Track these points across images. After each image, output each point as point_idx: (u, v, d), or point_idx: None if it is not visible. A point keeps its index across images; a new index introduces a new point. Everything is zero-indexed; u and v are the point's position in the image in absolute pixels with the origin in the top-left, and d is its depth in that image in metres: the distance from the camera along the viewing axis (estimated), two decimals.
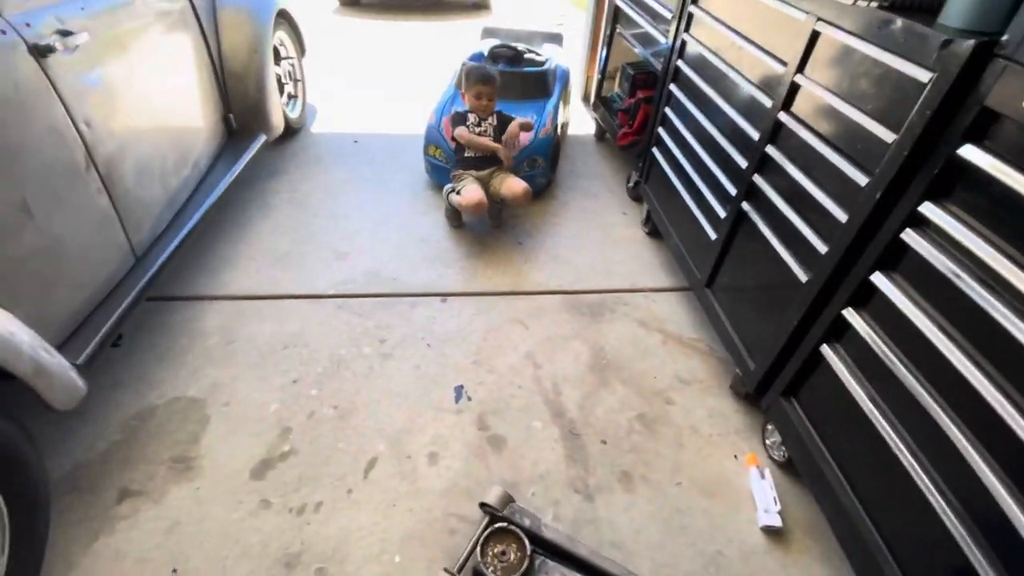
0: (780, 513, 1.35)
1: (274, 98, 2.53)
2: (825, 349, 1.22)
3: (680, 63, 1.94)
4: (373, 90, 3.67)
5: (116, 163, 1.44)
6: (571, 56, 3.40)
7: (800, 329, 1.29)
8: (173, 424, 1.48)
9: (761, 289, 1.49)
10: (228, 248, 2.13)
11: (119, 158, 1.46)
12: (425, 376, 1.67)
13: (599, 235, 2.39)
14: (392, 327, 1.84)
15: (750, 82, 1.51)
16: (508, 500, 1.20)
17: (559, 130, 2.76)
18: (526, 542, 1.11)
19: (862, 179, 1.09)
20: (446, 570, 1.11)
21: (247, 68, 2.30)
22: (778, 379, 1.39)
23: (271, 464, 1.40)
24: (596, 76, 3.09)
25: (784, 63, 1.36)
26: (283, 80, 2.86)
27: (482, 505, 1.20)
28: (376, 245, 2.22)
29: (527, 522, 1.16)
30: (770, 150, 1.40)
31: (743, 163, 1.52)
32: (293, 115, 2.95)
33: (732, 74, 1.59)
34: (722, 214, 1.65)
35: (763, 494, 1.38)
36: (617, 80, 2.95)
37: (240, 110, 2.33)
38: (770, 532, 1.33)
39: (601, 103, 2.99)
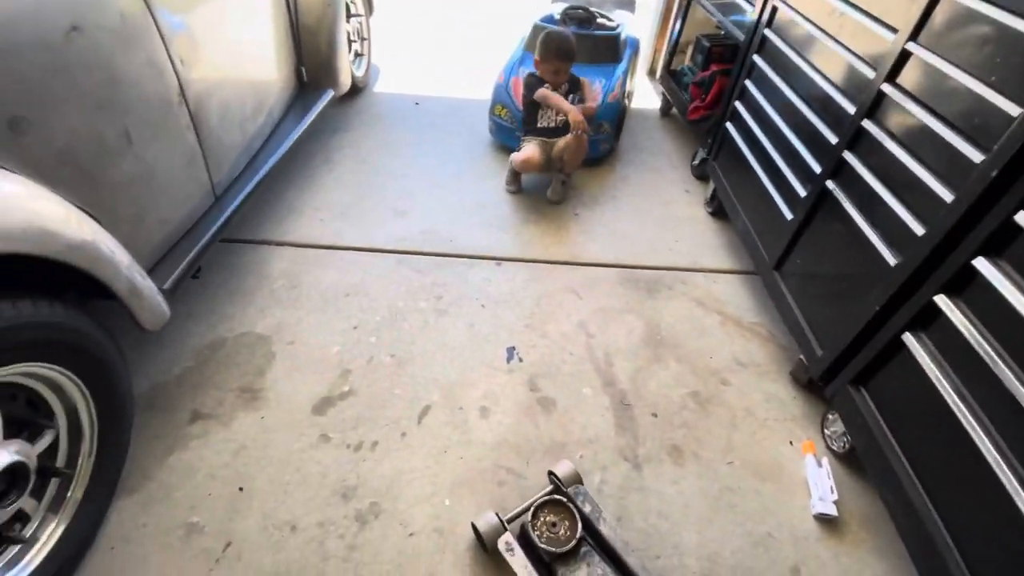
0: (836, 503, 1.30)
1: (343, 54, 2.56)
2: (908, 337, 1.15)
3: (768, 32, 1.83)
4: (437, 51, 3.66)
5: (203, 102, 1.50)
6: (640, 27, 3.28)
7: (881, 315, 1.22)
8: (241, 356, 1.56)
9: (839, 273, 1.42)
10: (294, 197, 2.19)
11: (206, 98, 1.51)
12: (478, 335, 1.69)
13: (659, 212, 2.33)
14: (448, 285, 1.86)
15: (850, 51, 1.41)
16: (576, 480, 1.20)
17: (626, 98, 2.68)
18: (580, 526, 1.11)
19: (976, 156, 1.01)
20: (496, 514, 1.14)
21: (320, 22, 2.33)
22: (848, 367, 1.33)
23: (331, 402, 1.46)
24: (666, 48, 2.97)
25: (894, 30, 1.26)
26: (351, 38, 2.88)
27: (550, 473, 1.23)
28: (434, 206, 2.23)
29: (588, 508, 1.15)
30: (867, 124, 1.31)
31: (833, 138, 1.43)
32: (359, 73, 2.97)
33: (829, 43, 1.49)
34: (802, 193, 1.57)
35: (819, 482, 1.34)
36: (689, 53, 2.83)
37: (311, 64, 2.37)
38: (824, 521, 1.30)
39: (670, 76, 2.88)
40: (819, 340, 1.46)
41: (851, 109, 1.37)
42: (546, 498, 1.16)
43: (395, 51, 3.59)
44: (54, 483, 1.05)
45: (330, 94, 2.45)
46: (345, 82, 2.59)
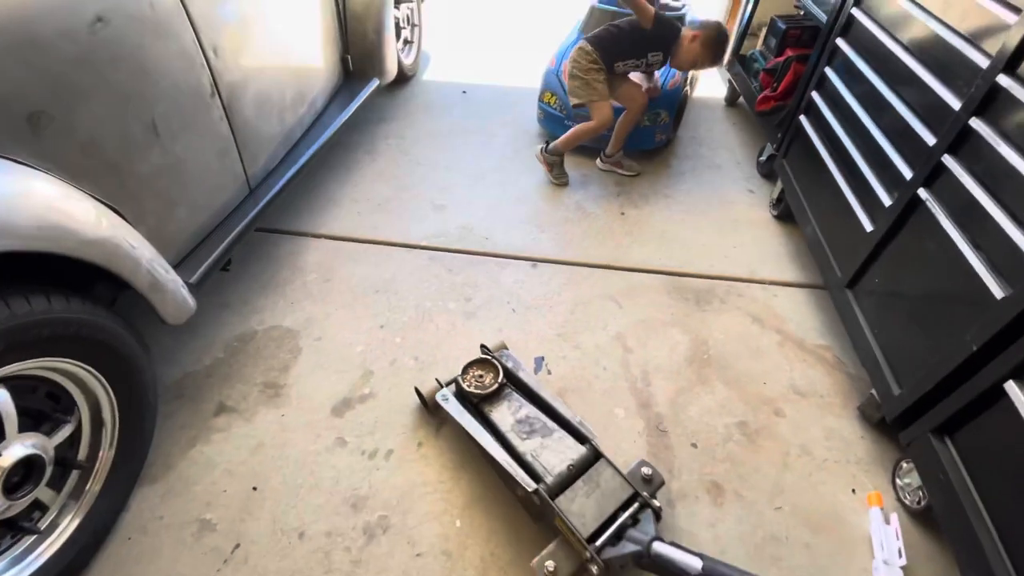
0: (903, 569, 1.12)
1: (391, 42, 2.51)
2: (1012, 387, 0.95)
3: (856, 11, 1.59)
4: (489, 37, 3.55)
5: (239, 93, 1.48)
6: (707, 7, 3.01)
7: (980, 357, 1.02)
8: (268, 350, 1.55)
9: (928, 299, 1.21)
10: (335, 189, 2.18)
11: (242, 88, 1.49)
12: (507, 341, 1.60)
13: (717, 213, 2.13)
14: (478, 286, 1.77)
15: (959, 34, 1.17)
16: (502, 347, 1.47)
17: (688, 85, 2.47)
18: (501, 374, 1.32)
19: None
20: (436, 379, 1.34)
21: (367, 9, 2.28)
22: (932, 412, 1.13)
23: (351, 404, 1.42)
24: (735, 31, 2.71)
25: (1017, 10, 1.03)
26: (401, 25, 2.83)
27: (482, 346, 1.43)
28: (473, 200, 2.15)
29: (510, 364, 1.37)
30: (975, 123, 1.09)
31: (930, 138, 1.21)
32: (407, 61, 2.92)
33: (932, 24, 1.25)
34: (887, 201, 1.34)
35: (886, 542, 1.16)
36: (762, 36, 2.56)
37: (357, 52, 2.33)
38: None
39: (738, 62, 2.62)
40: (897, 375, 1.25)
41: (955, 104, 1.15)
42: (473, 359, 1.37)
43: (446, 37, 3.52)
44: (74, 475, 1.07)
45: (375, 83, 2.41)
46: (391, 70, 2.55)
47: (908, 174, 1.27)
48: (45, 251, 0.88)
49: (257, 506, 1.22)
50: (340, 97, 2.26)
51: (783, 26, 2.25)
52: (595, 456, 1.16)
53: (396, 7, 2.63)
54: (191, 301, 1.28)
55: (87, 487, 1.09)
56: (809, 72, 1.85)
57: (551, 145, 2.18)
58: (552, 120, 2.44)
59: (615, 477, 1.12)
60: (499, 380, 1.31)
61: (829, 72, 1.71)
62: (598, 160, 2.31)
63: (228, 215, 1.51)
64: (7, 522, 0.96)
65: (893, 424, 1.25)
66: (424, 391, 1.35)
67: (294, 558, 1.14)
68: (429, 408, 1.37)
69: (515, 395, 1.31)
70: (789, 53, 2.18)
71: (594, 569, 1.00)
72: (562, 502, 1.07)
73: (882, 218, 1.35)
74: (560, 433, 1.21)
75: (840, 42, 1.66)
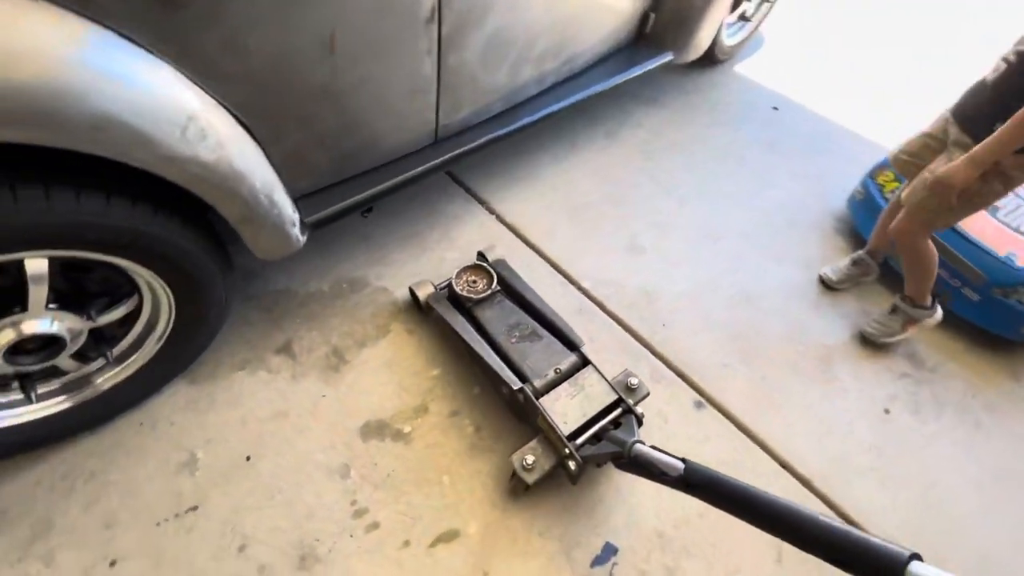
0: None
1: (720, 10, 1.91)
2: None
3: None
4: (851, 53, 2.58)
5: (468, 28, 1.17)
6: None
7: None
8: (363, 313, 1.38)
9: None
10: (543, 162, 1.83)
11: (475, 23, 1.18)
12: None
13: None
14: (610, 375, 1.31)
15: None
16: (501, 259, 1.39)
17: None
18: (495, 280, 1.32)
19: None
20: (430, 282, 1.32)
21: None
22: None
23: (382, 433, 1.18)
24: None
25: None
26: None
27: (479, 253, 1.40)
28: (681, 263, 1.59)
29: (505, 273, 1.34)
30: None
31: None
32: (729, 41, 2.27)
33: None
34: None
35: None
36: None
37: (667, 12, 1.81)
38: None
39: None
40: None
41: None
42: (467, 265, 1.36)
43: (797, 29, 2.66)
44: (105, 354, 1.04)
45: (666, 57, 1.88)
46: (699, 48, 1.97)
47: None
48: (96, 154, 0.74)
49: (236, 482, 1.10)
50: (613, 60, 1.81)
51: None
52: (583, 362, 1.17)
53: None
54: (296, 240, 1.12)
55: (113, 372, 1.07)
56: None
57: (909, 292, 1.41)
58: (865, 212, 1.65)
59: (600, 383, 1.13)
60: (492, 287, 1.30)
61: None
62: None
63: (391, 162, 1.29)
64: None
65: None
66: (419, 291, 1.31)
67: (220, 567, 1.00)
68: (422, 308, 1.33)
69: (507, 302, 1.31)
70: None
71: (572, 464, 1.02)
72: (545, 402, 1.09)
73: None
74: (550, 339, 1.22)
75: None
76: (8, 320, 0.85)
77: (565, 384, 1.12)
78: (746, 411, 1.28)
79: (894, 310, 1.43)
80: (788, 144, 2.02)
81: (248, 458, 1.13)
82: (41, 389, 1.00)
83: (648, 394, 1.17)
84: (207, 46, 0.82)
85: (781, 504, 0.77)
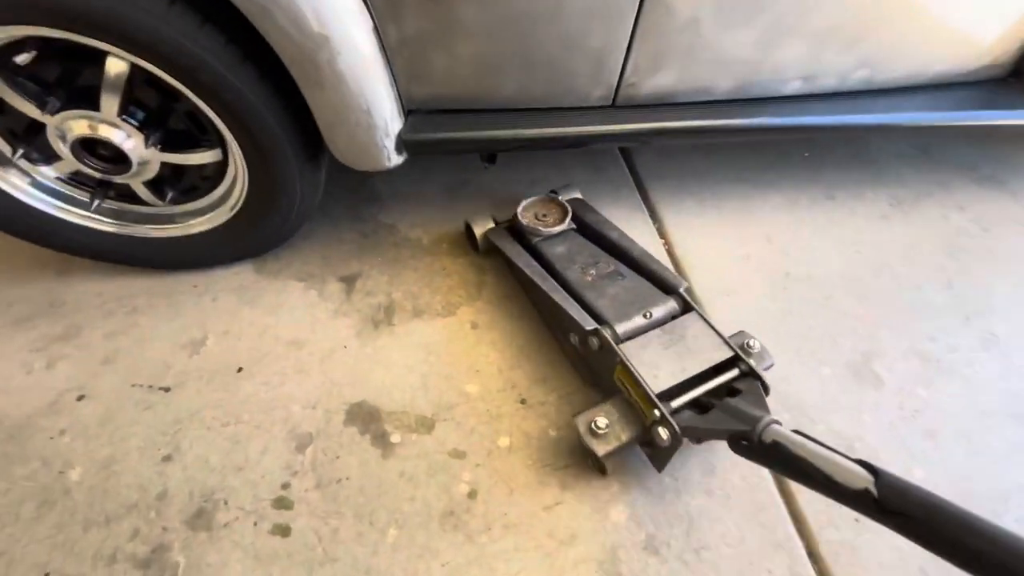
0: None
1: None
2: None
3: None
4: None
5: None
6: None
7: None
8: (441, 283, 1.13)
9: None
10: (750, 198, 1.29)
11: None
12: None
13: None
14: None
15: None
16: (579, 198, 1.16)
17: None
18: (569, 218, 1.08)
19: None
20: (493, 217, 1.12)
21: None
22: None
23: (366, 428, 0.90)
24: None
25: None
26: None
27: (551, 190, 1.15)
28: (943, 434, 0.90)
29: (582, 212, 1.11)
30: None
31: None
32: None
33: None
34: None
35: None
36: None
37: None
38: None
39: None
40: None
41: None
42: (536, 198, 1.12)
43: None
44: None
45: None
46: None
47: None
48: None
49: (215, 387, 0.96)
50: (957, 94, 1.16)
51: None
52: (684, 308, 0.90)
53: None
54: (387, 156, 0.93)
55: (182, 224, 1.03)
56: None
57: None
58: None
59: (708, 334, 0.85)
60: (566, 223, 1.07)
61: None
62: None
63: (540, 109, 0.98)
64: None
65: None
66: (475, 226, 1.11)
67: (139, 461, 0.86)
68: (478, 248, 1.13)
69: (583, 239, 1.07)
70: None
71: (663, 433, 0.74)
72: (629, 348, 0.82)
73: None
74: (638, 280, 0.97)
75: None
76: (86, 112, 0.83)
77: (658, 330, 0.86)
78: None
79: None
80: None
81: (240, 369, 0.98)
82: (108, 205, 1.00)
83: (773, 364, 0.89)
84: None
85: None
